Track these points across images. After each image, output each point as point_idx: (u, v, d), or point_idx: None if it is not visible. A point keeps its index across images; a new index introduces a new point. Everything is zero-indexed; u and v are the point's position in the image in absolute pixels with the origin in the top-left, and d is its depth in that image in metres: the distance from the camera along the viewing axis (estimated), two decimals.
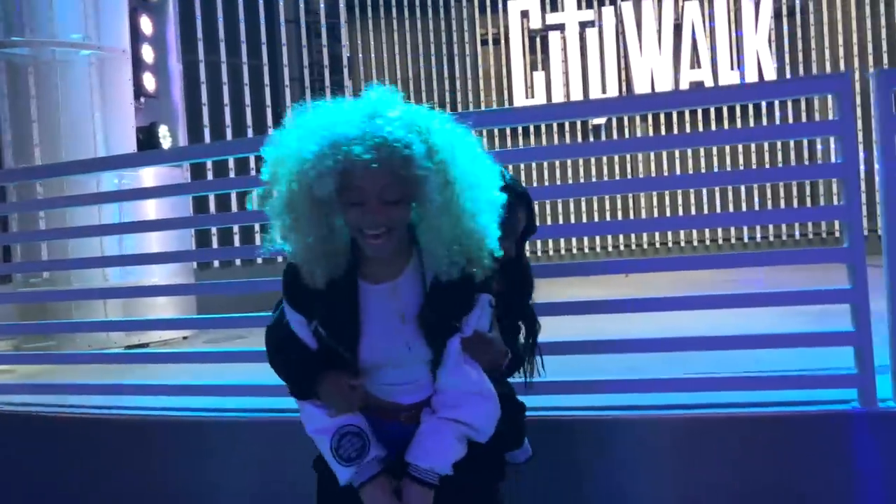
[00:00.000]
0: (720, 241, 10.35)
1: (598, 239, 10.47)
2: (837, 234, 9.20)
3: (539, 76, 10.94)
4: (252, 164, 6.09)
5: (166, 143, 5.58)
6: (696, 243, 10.42)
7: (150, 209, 5.26)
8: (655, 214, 10.29)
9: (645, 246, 10.45)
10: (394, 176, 1.39)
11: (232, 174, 6.78)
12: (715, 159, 10.27)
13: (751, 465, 2.45)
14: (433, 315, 1.50)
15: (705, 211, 10.11)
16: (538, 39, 11.01)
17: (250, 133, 7.70)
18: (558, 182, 10.27)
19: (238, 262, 6.82)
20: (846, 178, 2.46)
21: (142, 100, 5.55)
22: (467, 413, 1.53)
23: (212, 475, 2.88)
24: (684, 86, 10.65)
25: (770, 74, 10.42)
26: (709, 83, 10.59)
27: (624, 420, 2.52)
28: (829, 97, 2.62)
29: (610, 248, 10.61)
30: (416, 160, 1.37)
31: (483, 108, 11.02)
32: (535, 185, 9.12)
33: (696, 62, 10.67)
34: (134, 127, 5.40)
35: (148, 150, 5.45)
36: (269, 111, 7.97)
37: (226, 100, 7.50)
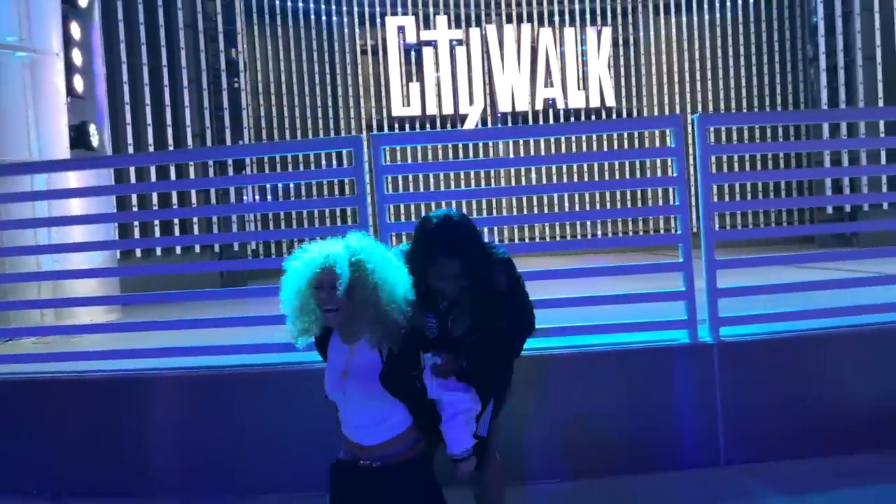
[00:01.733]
0: (589, 235, 11.67)
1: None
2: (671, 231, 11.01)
3: (415, 87, 11.97)
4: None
5: (95, 140, 5.97)
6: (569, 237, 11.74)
7: (75, 206, 5.65)
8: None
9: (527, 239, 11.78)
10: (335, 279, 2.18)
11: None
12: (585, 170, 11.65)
13: (618, 389, 3.61)
14: (392, 372, 2.19)
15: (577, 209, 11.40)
16: (413, 53, 12.04)
17: (150, 131, 8.10)
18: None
19: (158, 251, 7.27)
20: (679, 185, 3.70)
21: (68, 100, 5.90)
22: (455, 408, 2.27)
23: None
24: (539, 102, 12.13)
25: (609, 94, 12.16)
26: (560, 101, 12.16)
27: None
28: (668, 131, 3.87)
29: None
30: (342, 273, 2.15)
31: (363, 114, 11.89)
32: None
33: (549, 82, 12.17)
34: (67, 125, 5.76)
35: (79, 147, 5.85)
36: (167, 111, 8.38)
37: (147, 100, 7.87)
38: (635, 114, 12.08)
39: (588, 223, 11.61)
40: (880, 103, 9.53)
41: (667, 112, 11.98)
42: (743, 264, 4.19)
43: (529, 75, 12.12)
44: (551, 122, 12.08)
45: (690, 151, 4.93)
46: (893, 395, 3.69)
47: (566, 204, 11.33)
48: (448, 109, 11.99)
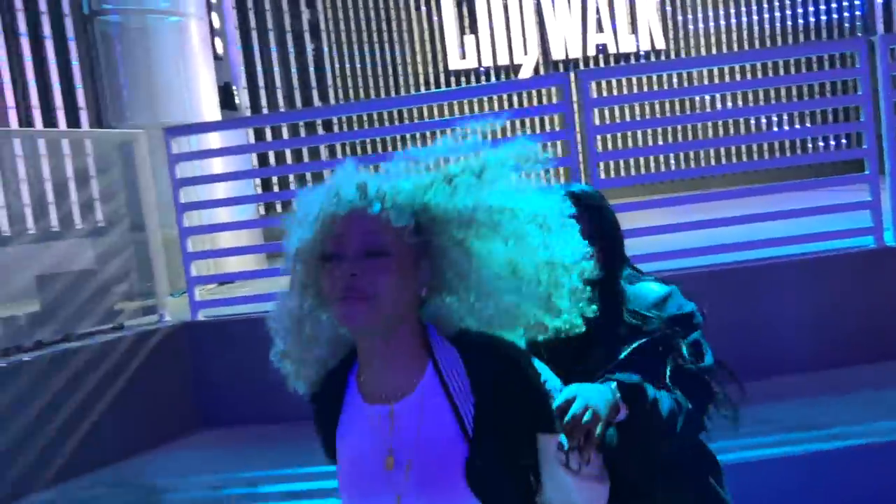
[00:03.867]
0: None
1: None
2: None
3: (470, 39, 12.14)
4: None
5: (238, 100, 6.23)
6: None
7: (216, 164, 5.93)
8: None
9: None
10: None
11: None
12: None
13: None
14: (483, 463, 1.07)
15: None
16: (465, 4, 12.17)
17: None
18: None
19: None
20: (864, 104, 4.06)
21: (214, 62, 6.13)
22: None
23: None
24: (591, 48, 12.35)
25: (658, 38, 12.39)
26: (611, 46, 12.38)
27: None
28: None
29: None
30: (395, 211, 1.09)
31: (420, 69, 12.08)
32: None
33: (599, 27, 12.37)
34: (215, 86, 6.01)
35: (225, 107, 6.10)
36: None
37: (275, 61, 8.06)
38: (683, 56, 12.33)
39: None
40: None
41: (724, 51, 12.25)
42: None
43: (581, 22, 12.31)
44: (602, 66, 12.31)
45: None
46: None
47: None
48: (503, 60, 12.19)
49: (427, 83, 12.10)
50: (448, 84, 12.06)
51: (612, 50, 12.31)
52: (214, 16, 6.17)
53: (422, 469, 1.09)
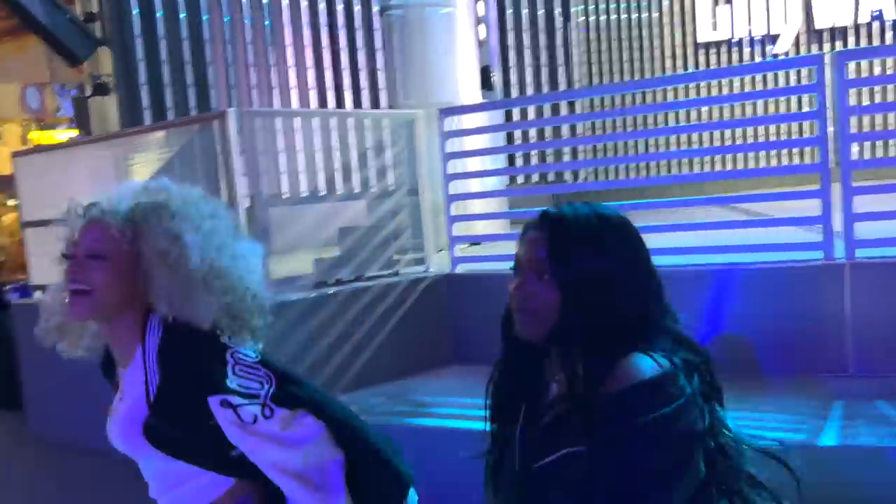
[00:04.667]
0: None
1: None
2: None
3: (723, 9, 11.74)
4: None
5: (495, 81, 6.96)
6: None
7: (468, 142, 6.66)
8: None
9: None
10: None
11: None
12: None
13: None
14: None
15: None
16: None
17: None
18: None
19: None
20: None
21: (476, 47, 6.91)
22: None
23: None
24: (863, 15, 11.28)
25: None
26: (889, 12, 11.20)
27: None
28: None
29: None
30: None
31: (667, 41, 11.97)
32: None
33: None
34: (477, 69, 6.78)
35: (484, 88, 6.86)
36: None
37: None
38: None
39: None
40: None
41: None
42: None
43: None
44: (874, 38, 11.22)
45: None
46: None
47: None
48: (758, 31, 11.63)
49: (674, 56, 11.93)
50: (696, 57, 11.80)
51: (889, 16, 11.12)
52: (480, 4, 6.91)
53: (120, 425, 1.51)
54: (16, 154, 6.37)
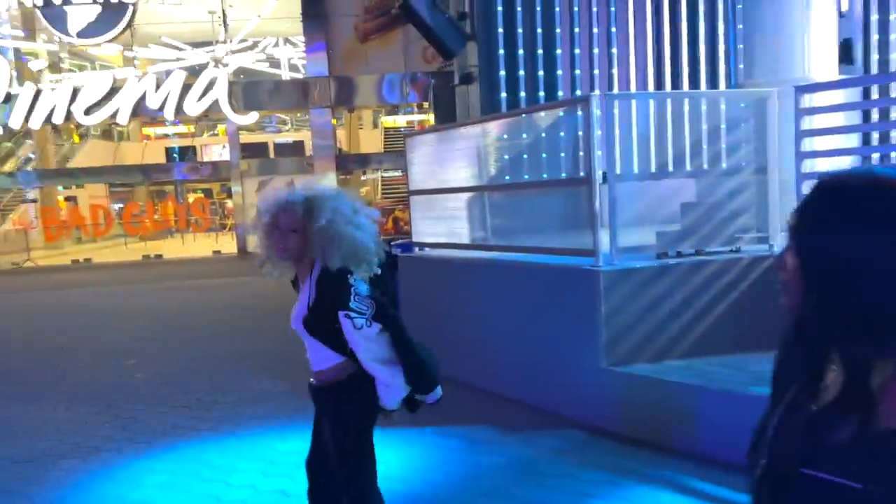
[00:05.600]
0: None
1: None
2: None
3: None
4: None
5: (857, 55, 6.49)
6: None
7: (818, 120, 6.25)
8: None
9: None
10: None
11: None
12: None
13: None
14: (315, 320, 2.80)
15: None
16: None
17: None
18: None
19: None
20: None
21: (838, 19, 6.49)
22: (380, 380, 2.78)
23: None
24: None
25: None
26: None
27: None
28: None
29: None
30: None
31: None
32: None
33: None
34: (836, 42, 6.39)
35: (843, 62, 6.44)
36: None
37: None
38: None
39: None
40: None
41: None
42: None
43: None
44: None
45: None
46: None
47: None
48: None
49: None
50: None
51: None
52: None
53: (295, 317, 2.79)
54: (407, 134, 7.68)
